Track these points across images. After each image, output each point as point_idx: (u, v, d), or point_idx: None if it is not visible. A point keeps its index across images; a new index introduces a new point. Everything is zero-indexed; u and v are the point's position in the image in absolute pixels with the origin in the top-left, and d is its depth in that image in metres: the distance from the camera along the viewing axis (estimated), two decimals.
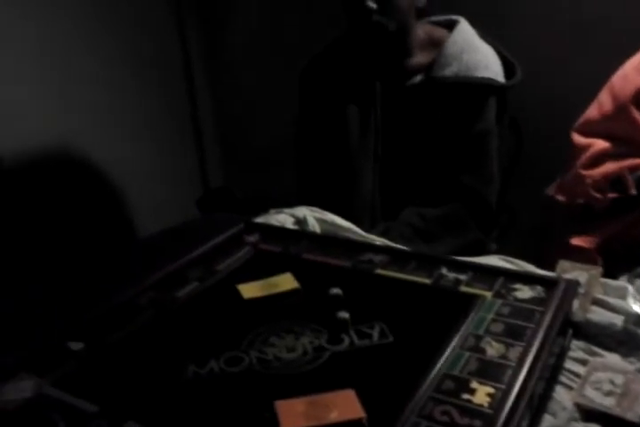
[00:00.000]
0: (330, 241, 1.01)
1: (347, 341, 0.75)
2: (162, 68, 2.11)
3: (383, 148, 1.37)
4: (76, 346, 0.76)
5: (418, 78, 1.32)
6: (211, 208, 2.13)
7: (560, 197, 1.27)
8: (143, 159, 2.08)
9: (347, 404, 0.63)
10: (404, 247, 1.03)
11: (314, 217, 1.17)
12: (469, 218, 1.31)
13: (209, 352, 0.74)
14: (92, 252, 1.70)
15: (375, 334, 0.76)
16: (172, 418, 0.65)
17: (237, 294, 0.87)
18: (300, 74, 1.48)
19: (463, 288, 0.84)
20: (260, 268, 0.94)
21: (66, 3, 1.78)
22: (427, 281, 0.86)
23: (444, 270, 0.88)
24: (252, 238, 1.04)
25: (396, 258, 0.93)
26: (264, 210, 1.24)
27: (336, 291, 0.84)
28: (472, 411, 0.61)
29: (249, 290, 0.88)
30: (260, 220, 1.17)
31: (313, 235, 1.07)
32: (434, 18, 1.40)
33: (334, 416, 0.61)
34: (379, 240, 1.08)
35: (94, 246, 1.80)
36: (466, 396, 0.63)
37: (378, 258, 0.94)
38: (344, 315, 0.78)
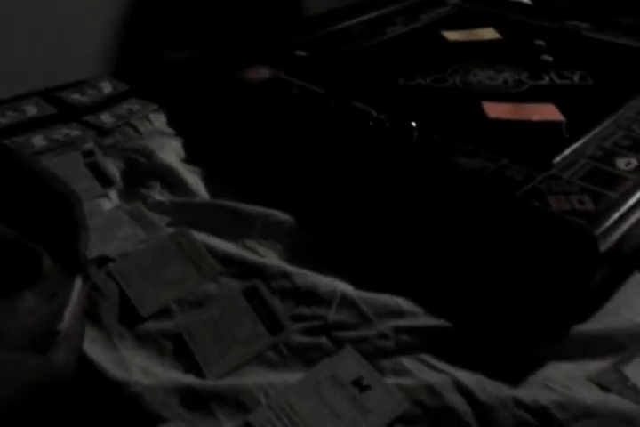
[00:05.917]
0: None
1: (547, 79, 0.80)
2: None
3: None
4: (301, 53, 0.88)
5: None
6: None
7: None
8: None
9: (548, 111, 0.70)
10: None
11: None
12: None
13: (416, 71, 0.83)
14: None
15: (575, 77, 0.80)
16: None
17: (441, 37, 0.93)
18: None
19: None
20: (463, 22, 0.98)
21: None
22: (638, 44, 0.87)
23: None
24: (456, 0, 1.07)
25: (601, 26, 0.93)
26: None
27: (540, 42, 0.88)
28: None
29: (453, 35, 0.94)
30: None
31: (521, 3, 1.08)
32: None
33: (536, 117, 0.69)
34: None
35: None
36: None
37: (584, 25, 0.94)
38: (547, 57, 0.82)
